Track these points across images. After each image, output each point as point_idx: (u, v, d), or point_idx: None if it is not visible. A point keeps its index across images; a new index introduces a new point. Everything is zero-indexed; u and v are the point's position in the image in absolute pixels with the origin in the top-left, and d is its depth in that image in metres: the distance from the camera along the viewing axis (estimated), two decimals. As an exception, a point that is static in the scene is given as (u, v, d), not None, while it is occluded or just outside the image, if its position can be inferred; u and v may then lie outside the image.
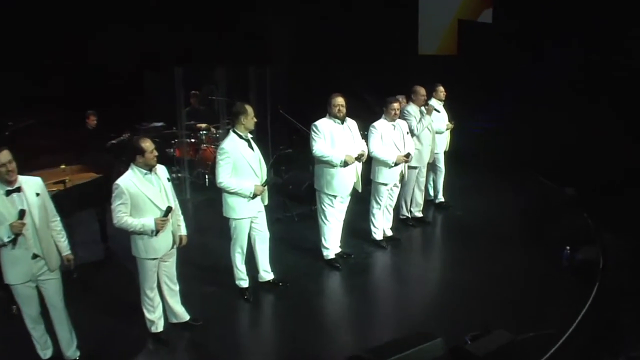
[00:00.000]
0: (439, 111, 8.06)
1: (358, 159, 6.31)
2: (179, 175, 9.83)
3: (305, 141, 9.06)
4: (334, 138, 6.20)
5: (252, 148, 5.55)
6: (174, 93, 9.29)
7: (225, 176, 5.44)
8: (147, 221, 4.63)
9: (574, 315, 5.52)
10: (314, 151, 6.22)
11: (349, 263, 6.79)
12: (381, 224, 7.33)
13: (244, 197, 5.50)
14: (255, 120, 5.52)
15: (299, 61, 11.78)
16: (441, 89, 8.35)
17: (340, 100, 6.20)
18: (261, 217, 5.82)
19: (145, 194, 4.63)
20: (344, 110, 6.22)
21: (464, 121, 8.46)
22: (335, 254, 6.72)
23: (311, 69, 11.73)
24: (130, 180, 4.62)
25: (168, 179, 4.90)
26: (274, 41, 11.42)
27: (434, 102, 8.14)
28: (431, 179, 8.69)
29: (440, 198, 8.86)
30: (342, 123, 6.27)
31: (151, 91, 9.53)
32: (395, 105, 6.85)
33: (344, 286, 6.48)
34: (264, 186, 5.62)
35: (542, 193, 9.76)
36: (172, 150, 9.92)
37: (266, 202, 5.82)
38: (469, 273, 6.58)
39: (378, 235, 7.32)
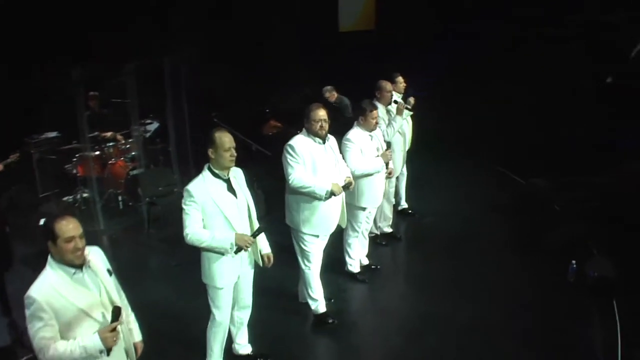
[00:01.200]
0: (410, 109, 6.78)
1: (346, 187, 4.97)
2: (84, 195, 7.95)
3: (253, 156, 7.64)
4: (315, 163, 4.80)
5: (233, 192, 4.04)
6: (71, 96, 7.38)
7: (193, 226, 3.91)
8: (90, 342, 2.93)
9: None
10: (291, 181, 4.76)
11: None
12: (358, 254, 6.10)
13: (224, 251, 3.97)
14: (232, 155, 3.94)
15: (214, 50, 9.95)
16: (401, 79, 7.12)
17: (322, 114, 4.78)
18: (246, 281, 4.36)
19: (78, 306, 2.95)
20: (327, 126, 4.82)
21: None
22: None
23: (231, 60, 9.98)
24: (52, 288, 2.89)
25: (109, 270, 3.24)
26: (183, 29, 9.49)
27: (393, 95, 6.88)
28: (393, 183, 7.51)
29: (404, 204, 7.75)
30: (324, 142, 4.88)
31: (41, 97, 7.52)
32: (376, 113, 5.56)
33: (334, 350, 5.14)
34: (255, 237, 4.09)
35: (506, 184, 8.93)
36: (73, 167, 7.99)
37: (260, 262, 4.37)
38: (467, 302, 5.58)
39: (355, 267, 6.08)
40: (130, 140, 8.30)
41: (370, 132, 5.60)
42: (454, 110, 10.61)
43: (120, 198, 7.97)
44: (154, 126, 8.85)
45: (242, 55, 9.40)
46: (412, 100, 6.86)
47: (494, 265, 6.33)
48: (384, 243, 6.88)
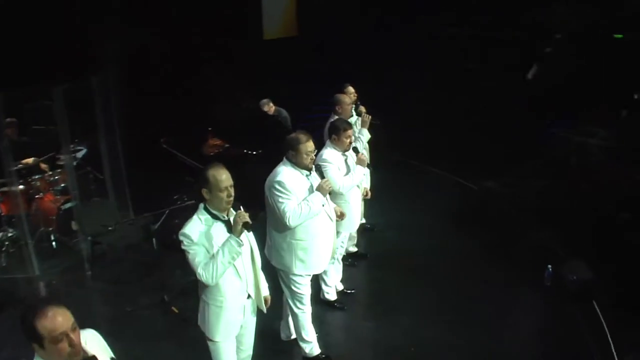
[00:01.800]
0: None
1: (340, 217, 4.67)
2: (10, 236, 6.98)
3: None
4: (305, 196, 4.40)
5: None
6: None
7: (202, 262, 3.45)
8: None
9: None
10: (289, 220, 4.27)
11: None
12: (334, 281, 5.76)
13: (236, 253, 3.45)
14: (229, 195, 3.49)
15: (139, 68, 9.16)
16: (351, 89, 6.86)
17: (311, 146, 4.40)
18: (248, 330, 3.94)
19: None
20: (314, 157, 4.47)
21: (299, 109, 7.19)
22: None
23: (155, 75, 9.24)
24: None
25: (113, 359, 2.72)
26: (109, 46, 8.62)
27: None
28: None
29: (362, 220, 7.42)
30: (310, 174, 4.51)
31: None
32: (350, 132, 5.21)
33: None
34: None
35: (457, 190, 8.90)
36: (-6, 207, 7.05)
37: (264, 309, 3.96)
38: (451, 322, 5.45)
39: (331, 295, 5.76)
40: (58, 170, 7.44)
41: (344, 152, 5.26)
42: (394, 118, 10.51)
43: (52, 237, 7.10)
44: (81, 152, 8.00)
45: (174, 69, 8.79)
46: (363, 109, 6.58)
47: (467, 278, 6.22)
48: (348, 262, 6.56)
